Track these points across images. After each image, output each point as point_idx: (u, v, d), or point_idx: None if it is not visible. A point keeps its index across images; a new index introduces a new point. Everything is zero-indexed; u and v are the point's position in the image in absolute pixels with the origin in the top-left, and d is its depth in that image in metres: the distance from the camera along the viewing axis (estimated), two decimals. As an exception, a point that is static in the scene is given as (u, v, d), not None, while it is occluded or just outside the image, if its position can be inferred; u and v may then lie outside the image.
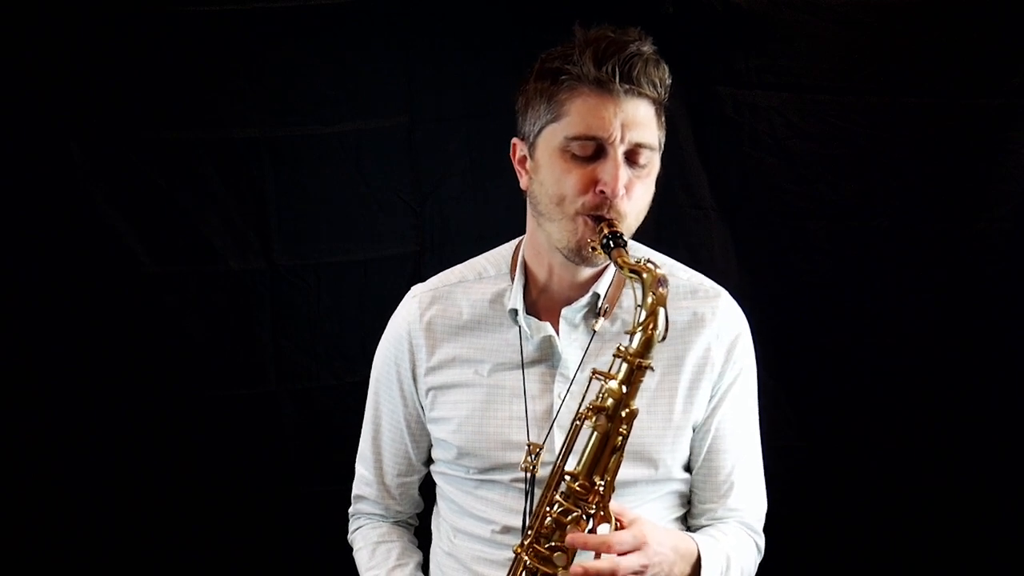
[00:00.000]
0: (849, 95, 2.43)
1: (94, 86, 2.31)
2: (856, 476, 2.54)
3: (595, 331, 1.71)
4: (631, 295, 1.72)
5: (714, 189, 2.50)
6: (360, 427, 1.93)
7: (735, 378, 1.77)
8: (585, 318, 1.73)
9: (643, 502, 1.71)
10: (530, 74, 1.67)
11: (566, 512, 1.55)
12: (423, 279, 1.88)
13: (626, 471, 1.58)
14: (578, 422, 1.58)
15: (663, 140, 1.66)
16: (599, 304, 1.72)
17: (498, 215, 2.40)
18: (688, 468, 1.78)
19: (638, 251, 1.76)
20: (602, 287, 1.72)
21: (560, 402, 1.70)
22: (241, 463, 2.48)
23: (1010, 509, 2.51)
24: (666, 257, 1.81)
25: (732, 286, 2.48)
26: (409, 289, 1.87)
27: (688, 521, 1.83)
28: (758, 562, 1.83)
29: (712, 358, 1.74)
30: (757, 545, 1.82)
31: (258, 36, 2.35)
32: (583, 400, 1.59)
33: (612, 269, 1.72)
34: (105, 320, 2.38)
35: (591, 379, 1.59)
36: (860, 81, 2.42)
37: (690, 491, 1.81)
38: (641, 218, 1.67)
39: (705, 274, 2.55)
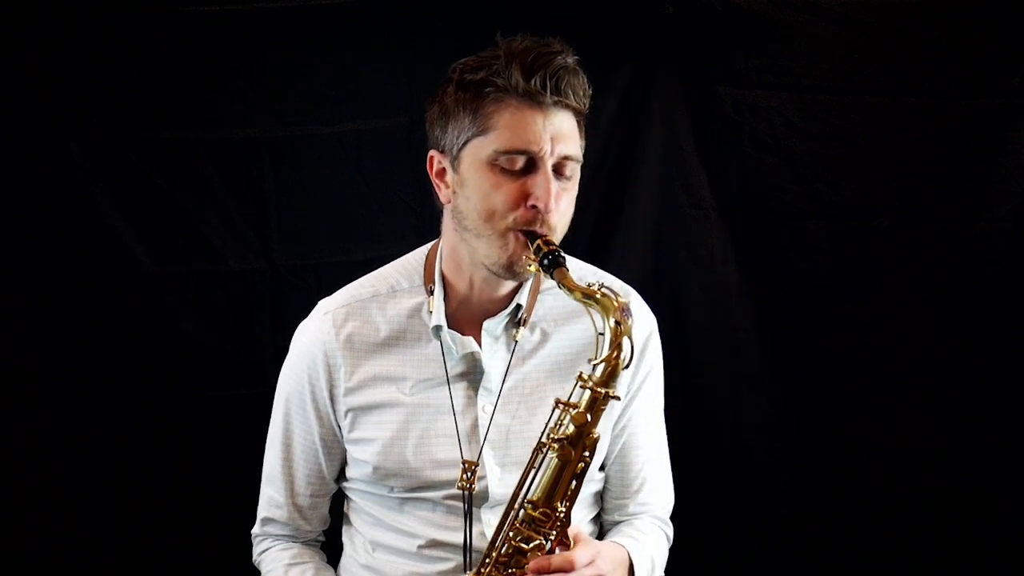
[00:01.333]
0: (849, 95, 2.43)
1: (94, 86, 2.31)
2: (856, 476, 2.54)
3: (516, 341, 1.70)
4: (547, 301, 1.72)
5: (714, 189, 2.50)
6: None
7: (647, 376, 1.77)
8: (505, 328, 1.71)
9: None
10: (447, 84, 1.64)
11: (527, 539, 1.55)
12: (422, 279, 1.87)
13: None
14: (540, 452, 1.56)
15: (584, 150, 1.64)
16: (519, 314, 1.71)
17: (498, 215, 2.40)
18: (601, 467, 1.79)
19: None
20: (524, 298, 1.71)
21: (487, 416, 1.68)
22: (241, 463, 2.47)
23: (1010, 509, 2.51)
24: (571, 258, 1.74)
25: (732, 286, 2.50)
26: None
27: (601, 517, 1.83)
28: (667, 548, 1.86)
29: None
30: (667, 536, 1.85)
31: (258, 36, 2.34)
32: (545, 428, 1.57)
33: (531, 278, 1.70)
34: (105, 320, 2.38)
35: (554, 408, 1.57)
36: (860, 81, 2.42)
37: (603, 488, 1.82)
38: (566, 229, 1.64)
39: (705, 274, 2.55)
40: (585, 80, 1.60)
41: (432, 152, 1.67)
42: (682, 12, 2.37)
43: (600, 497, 1.83)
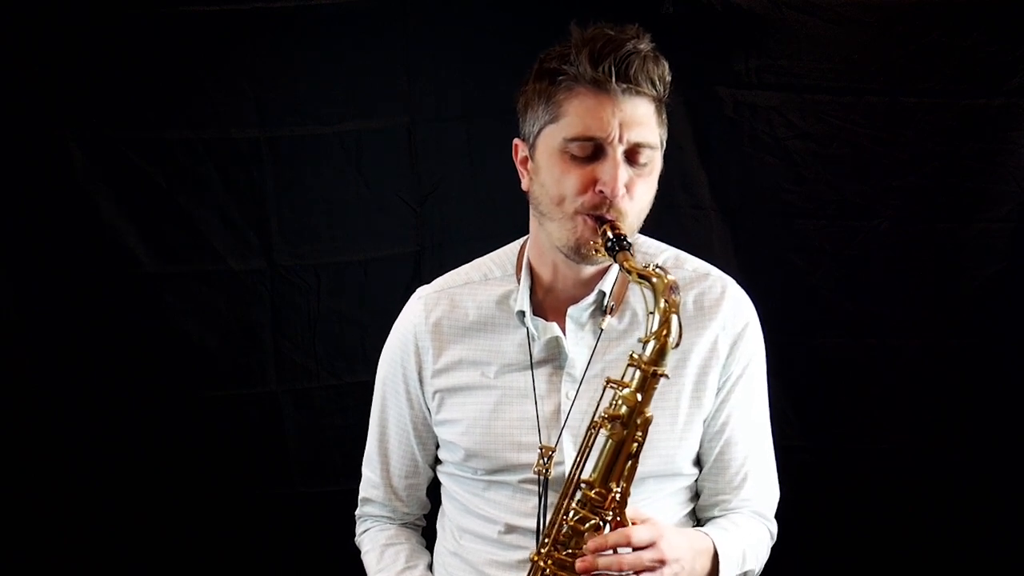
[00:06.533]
0: (849, 95, 2.43)
1: (94, 86, 2.31)
2: (856, 476, 2.54)
3: (602, 329, 1.70)
4: (638, 290, 1.71)
5: (714, 189, 2.50)
6: (360, 426, 1.93)
7: (744, 369, 1.75)
8: (592, 316, 1.72)
9: (654, 500, 1.71)
10: (529, 75, 1.66)
11: (583, 520, 1.55)
12: (423, 279, 1.87)
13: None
14: (592, 430, 1.56)
15: (664, 138, 1.65)
16: (605, 302, 1.71)
17: (498, 215, 2.41)
18: (698, 462, 1.78)
19: (642, 243, 1.76)
20: (607, 285, 1.71)
21: (569, 402, 1.69)
22: (241, 463, 2.48)
23: (1010, 509, 2.51)
24: (670, 247, 1.80)
25: (732, 286, 2.49)
26: (409, 289, 1.87)
27: (698, 513, 1.82)
28: (770, 547, 1.83)
29: (719, 350, 1.72)
30: (770, 531, 1.83)
31: (258, 36, 2.35)
32: (597, 407, 1.58)
33: (616, 266, 1.71)
34: (105, 320, 2.38)
35: (605, 387, 1.57)
36: (860, 81, 2.42)
37: (700, 483, 1.79)
38: (643, 216, 1.66)
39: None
40: (664, 66, 1.60)
41: (516, 140, 1.71)
42: (682, 12, 2.37)
43: (696, 494, 1.80)
